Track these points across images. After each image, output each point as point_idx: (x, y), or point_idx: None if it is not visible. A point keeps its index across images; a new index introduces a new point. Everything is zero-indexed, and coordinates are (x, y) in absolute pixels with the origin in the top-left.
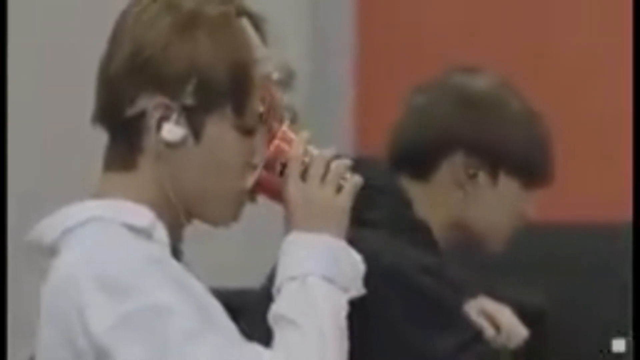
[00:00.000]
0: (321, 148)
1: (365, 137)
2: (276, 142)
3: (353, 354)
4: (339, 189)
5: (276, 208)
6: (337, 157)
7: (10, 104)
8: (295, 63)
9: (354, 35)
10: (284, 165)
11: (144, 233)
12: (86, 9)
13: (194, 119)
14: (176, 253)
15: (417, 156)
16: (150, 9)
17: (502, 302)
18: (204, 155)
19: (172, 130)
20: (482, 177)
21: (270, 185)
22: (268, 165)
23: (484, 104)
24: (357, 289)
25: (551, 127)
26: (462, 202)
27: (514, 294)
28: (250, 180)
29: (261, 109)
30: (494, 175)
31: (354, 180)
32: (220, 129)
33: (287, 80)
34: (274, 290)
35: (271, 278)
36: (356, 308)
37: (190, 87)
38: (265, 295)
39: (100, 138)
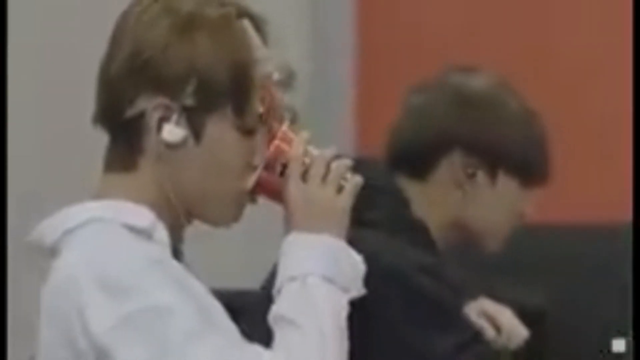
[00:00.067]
0: (321, 148)
1: (365, 137)
2: (276, 142)
3: (353, 354)
4: (340, 189)
5: (276, 208)
6: (338, 157)
7: (10, 104)
8: (296, 63)
9: (354, 36)
10: (285, 166)
11: (145, 234)
12: (86, 9)
13: (194, 120)
14: (177, 254)
15: (415, 156)
16: (151, 9)
17: (502, 302)
18: (205, 155)
19: (173, 131)
20: (481, 176)
21: (271, 185)
22: (268, 166)
23: (482, 103)
24: (358, 289)
25: (551, 127)
26: (461, 201)
27: (513, 294)
28: (250, 181)
29: (261, 109)
30: (492, 175)
31: (355, 181)
32: (220, 129)
33: (288, 81)
34: (274, 291)
35: (271, 278)
36: (356, 308)
37: (190, 88)
38: (265, 296)
39: (101, 138)
